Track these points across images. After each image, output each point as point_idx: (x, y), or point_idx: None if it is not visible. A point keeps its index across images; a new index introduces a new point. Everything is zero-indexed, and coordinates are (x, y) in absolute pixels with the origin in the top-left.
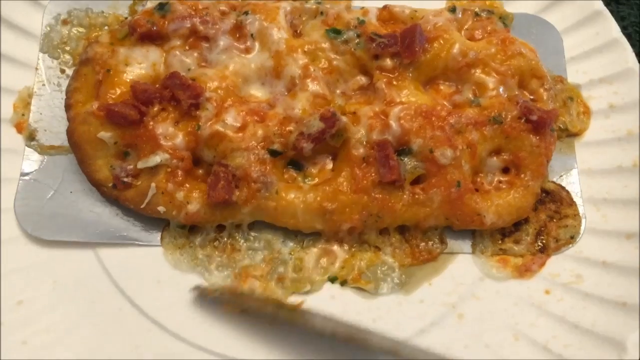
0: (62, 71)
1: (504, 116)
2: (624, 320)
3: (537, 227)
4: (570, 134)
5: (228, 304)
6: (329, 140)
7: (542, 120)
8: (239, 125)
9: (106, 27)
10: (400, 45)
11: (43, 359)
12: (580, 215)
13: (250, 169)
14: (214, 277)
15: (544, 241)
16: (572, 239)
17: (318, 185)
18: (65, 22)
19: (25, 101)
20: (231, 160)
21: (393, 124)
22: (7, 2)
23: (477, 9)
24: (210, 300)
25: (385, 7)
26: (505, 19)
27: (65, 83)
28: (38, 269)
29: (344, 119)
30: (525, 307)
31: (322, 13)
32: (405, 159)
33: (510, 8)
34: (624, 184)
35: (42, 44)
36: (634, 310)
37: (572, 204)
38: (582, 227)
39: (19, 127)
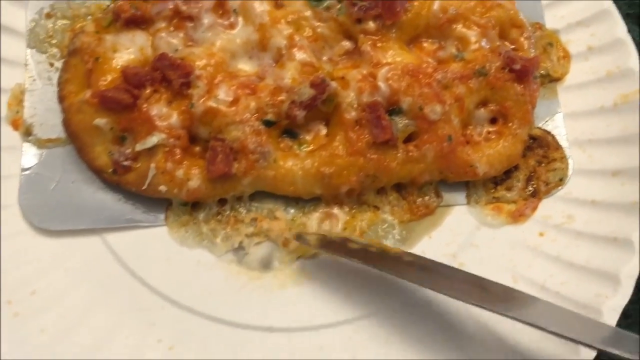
0: (51, 64)
1: (488, 68)
2: (616, 255)
3: (527, 172)
4: (552, 80)
5: (332, 248)
6: (321, 106)
7: (525, 69)
8: (231, 99)
9: (89, 17)
10: (382, 8)
11: (63, 344)
12: (567, 157)
13: (246, 141)
14: (219, 249)
15: (534, 186)
16: (561, 181)
17: (314, 151)
18: (49, 16)
19: (18, 98)
20: (227, 134)
21: (382, 85)
22: None
23: None
24: (315, 246)
25: None
26: None
27: (55, 76)
28: (48, 259)
29: (334, 84)
30: (521, 250)
31: None
32: (397, 118)
33: None
34: (606, 124)
35: (28, 39)
36: (625, 244)
37: (558, 147)
38: (570, 169)
39: (15, 124)
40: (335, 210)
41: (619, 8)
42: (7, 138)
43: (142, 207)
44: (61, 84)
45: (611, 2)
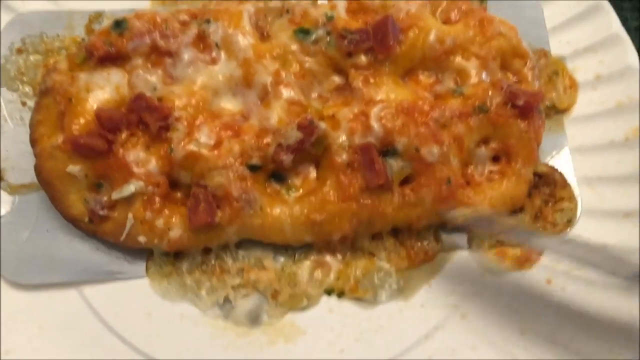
0: (24, 104)
1: (488, 104)
2: (630, 306)
3: (533, 213)
4: (558, 111)
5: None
6: (310, 148)
7: (528, 105)
8: (213, 142)
9: (64, 51)
10: (374, 41)
11: None
12: (576, 196)
13: (230, 188)
14: (204, 302)
15: (541, 228)
16: (570, 222)
17: (303, 196)
18: (20, 51)
19: None
20: (209, 180)
21: (374, 125)
22: None
23: None
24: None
25: None
26: None
27: (27, 116)
28: (21, 316)
29: (323, 125)
30: (528, 299)
31: (288, 11)
32: (391, 160)
33: None
34: (617, 160)
35: None
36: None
37: (566, 185)
38: (579, 209)
39: None
40: (328, 258)
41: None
42: None
43: (122, 257)
44: (33, 126)
45: (620, 25)
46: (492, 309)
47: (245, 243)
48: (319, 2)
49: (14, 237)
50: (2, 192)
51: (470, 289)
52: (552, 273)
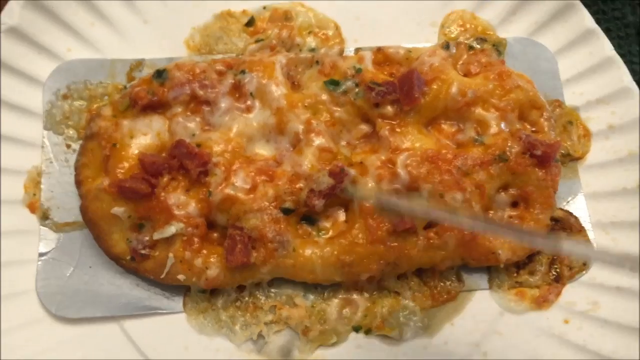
0: (68, 146)
1: (508, 153)
2: None
3: (550, 256)
4: (573, 159)
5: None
6: (339, 193)
7: (546, 155)
8: (248, 186)
9: (106, 97)
10: (400, 93)
11: None
12: (591, 240)
13: (265, 230)
14: (238, 337)
15: (557, 270)
16: (585, 265)
17: (334, 238)
18: (65, 97)
19: (35, 180)
20: (245, 222)
21: (401, 172)
22: (5, 84)
23: (470, 41)
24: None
25: (379, 49)
26: (498, 46)
27: (72, 158)
28: (65, 348)
29: (353, 172)
30: (546, 338)
31: (317, 62)
32: None
33: (502, 32)
34: (630, 206)
35: (45, 121)
36: None
37: (581, 229)
38: None
39: (32, 207)
40: (355, 296)
41: None
42: (24, 221)
43: (160, 293)
44: (78, 168)
45: (631, 79)
46: (512, 348)
47: (277, 281)
48: (346, 52)
49: (58, 273)
50: (47, 230)
51: (491, 328)
52: (569, 313)
